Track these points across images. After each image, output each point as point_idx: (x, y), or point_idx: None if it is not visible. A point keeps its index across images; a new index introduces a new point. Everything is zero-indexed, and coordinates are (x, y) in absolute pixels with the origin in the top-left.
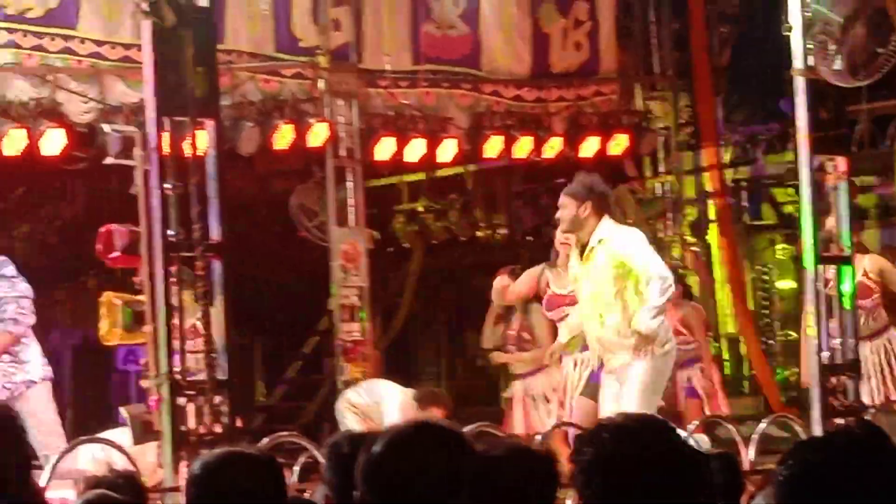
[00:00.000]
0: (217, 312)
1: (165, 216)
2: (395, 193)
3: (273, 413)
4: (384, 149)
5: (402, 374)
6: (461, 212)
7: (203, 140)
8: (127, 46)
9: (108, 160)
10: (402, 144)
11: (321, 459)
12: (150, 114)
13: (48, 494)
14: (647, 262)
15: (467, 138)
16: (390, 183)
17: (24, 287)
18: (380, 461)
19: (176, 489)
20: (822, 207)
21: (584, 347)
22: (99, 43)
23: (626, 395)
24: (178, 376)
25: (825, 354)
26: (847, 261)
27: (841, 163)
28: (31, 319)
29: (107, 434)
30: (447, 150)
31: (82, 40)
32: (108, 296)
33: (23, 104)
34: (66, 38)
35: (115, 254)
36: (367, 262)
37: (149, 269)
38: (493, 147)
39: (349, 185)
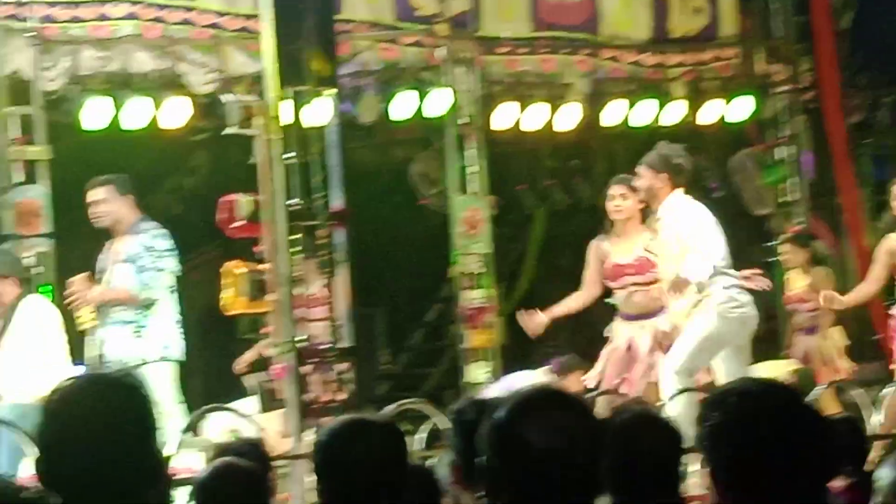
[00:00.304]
0: (340, 281)
1: (287, 185)
2: (515, 160)
3: (397, 380)
4: (504, 116)
5: (524, 341)
6: (582, 178)
7: (323, 109)
8: (246, 17)
9: (229, 130)
10: (522, 111)
11: (445, 426)
12: (271, 83)
13: (175, 463)
14: (699, 241)
15: (587, 104)
16: (511, 150)
17: (168, 262)
18: (504, 426)
19: (302, 456)
20: None
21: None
22: (218, 14)
23: (675, 343)
24: (302, 345)
25: None
26: None
27: None
28: (164, 295)
29: (234, 403)
30: (567, 116)
31: (201, 11)
32: (231, 265)
33: (144, 76)
34: (185, 9)
35: (237, 223)
36: (488, 229)
37: (272, 239)
38: (612, 113)
39: (470, 152)
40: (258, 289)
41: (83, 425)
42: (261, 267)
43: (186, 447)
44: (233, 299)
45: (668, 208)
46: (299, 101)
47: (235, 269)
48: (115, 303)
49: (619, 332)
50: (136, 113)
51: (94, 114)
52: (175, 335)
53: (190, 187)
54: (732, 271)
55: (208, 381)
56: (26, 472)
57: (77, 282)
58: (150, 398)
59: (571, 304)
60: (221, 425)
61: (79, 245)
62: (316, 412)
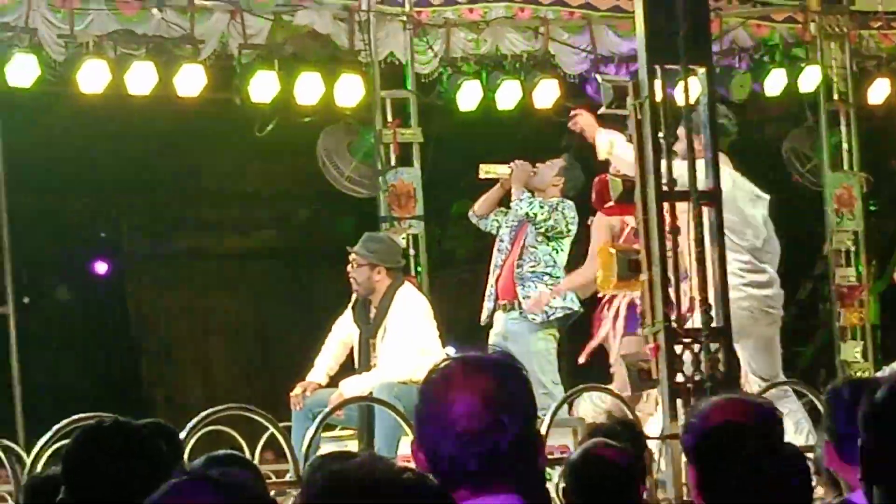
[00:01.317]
0: (710, 260)
1: (658, 165)
2: (889, 136)
3: None
4: (878, 91)
5: None
6: None
7: (695, 87)
8: None
9: (602, 110)
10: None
11: (819, 405)
12: (642, 62)
13: (549, 442)
14: None
15: None
16: (884, 125)
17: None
18: (883, 408)
19: (674, 437)
20: None
21: None
22: None
23: None
24: (673, 324)
25: None
26: None
27: None
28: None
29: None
30: None
31: None
32: (604, 245)
33: (516, 57)
34: None
35: (610, 203)
36: (860, 206)
37: (643, 218)
38: None
39: (843, 128)
40: (630, 268)
41: (457, 405)
42: (633, 247)
43: (561, 426)
44: (605, 279)
45: None
46: (670, 80)
47: (608, 249)
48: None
49: None
50: (507, 94)
51: (467, 96)
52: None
53: None
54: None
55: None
56: (404, 451)
57: None
58: (527, 378)
59: None
60: (593, 404)
61: (449, 227)
62: (687, 392)
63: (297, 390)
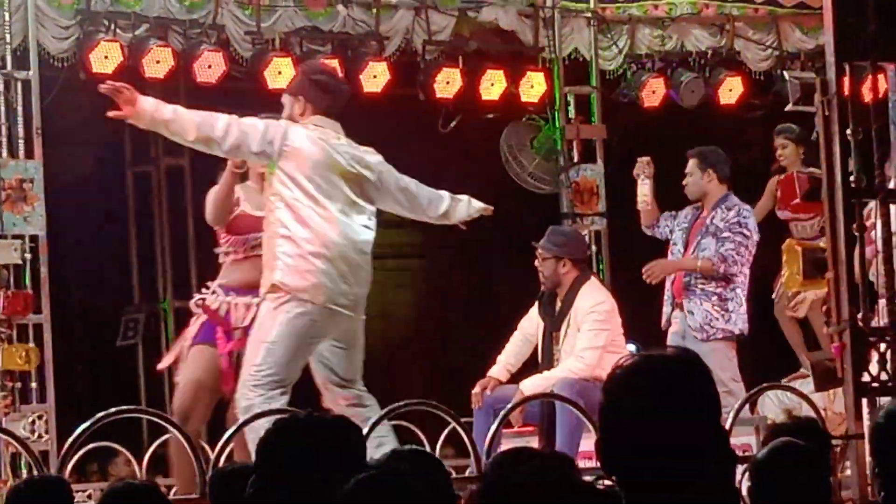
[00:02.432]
0: None
1: (845, 162)
2: None
3: None
4: None
5: None
6: None
7: (883, 84)
8: None
9: (788, 107)
10: None
11: None
12: (830, 58)
13: (731, 440)
14: None
15: None
16: None
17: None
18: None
19: (860, 436)
20: None
21: None
22: None
23: None
24: (860, 323)
25: None
26: None
27: None
28: (742, 271)
29: (790, 381)
30: None
31: None
32: (790, 243)
33: (701, 53)
34: None
35: (796, 200)
36: None
37: (830, 216)
38: None
39: None
40: (816, 266)
41: (644, 404)
42: (819, 244)
43: (743, 425)
44: (791, 277)
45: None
46: (858, 76)
47: (794, 246)
48: (698, 272)
49: None
50: (691, 91)
51: (651, 92)
52: (744, 312)
53: (744, 164)
54: None
55: (765, 358)
56: (585, 448)
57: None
58: (710, 375)
59: None
60: (779, 403)
61: (630, 224)
62: (873, 392)
63: (477, 388)
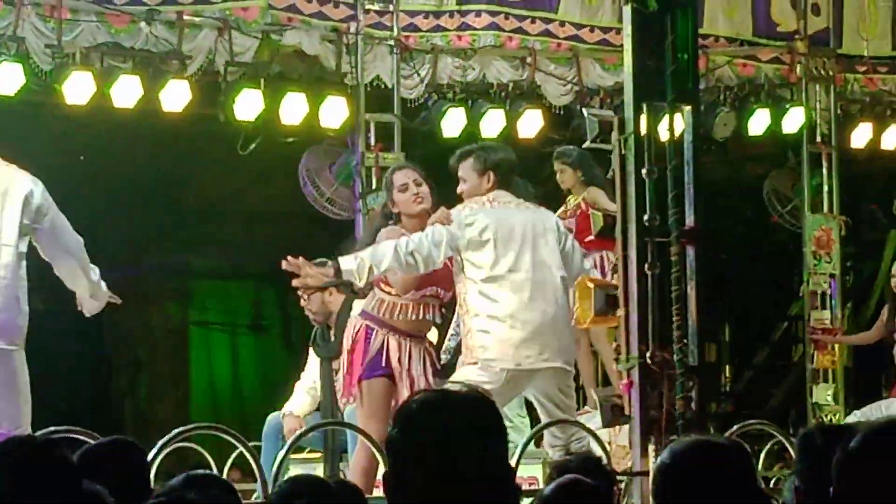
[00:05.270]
0: (689, 298)
1: (641, 201)
2: (870, 179)
3: (740, 399)
4: (861, 135)
5: (870, 363)
6: None
7: (679, 125)
8: (605, 30)
9: (586, 144)
10: (879, 131)
11: (789, 447)
12: (628, 97)
13: (518, 474)
14: None
15: None
16: (865, 169)
17: None
18: (857, 458)
19: (644, 473)
20: None
21: None
22: (578, 26)
23: None
24: (648, 360)
25: None
26: None
27: None
28: None
29: (578, 417)
30: None
31: (562, 23)
32: (582, 279)
33: (502, 85)
34: (546, 20)
35: (590, 237)
36: (838, 249)
37: (623, 254)
38: None
39: (824, 171)
40: (608, 303)
41: (435, 435)
42: (612, 282)
43: (529, 458)
44: (582, 312)
45: None
46: (656, 116)
47: (587, 282)
48: None
49: None
50: (492, 122)
51: (452, 122)
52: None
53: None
54: None
55: None
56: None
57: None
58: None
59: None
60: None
61: None
62: (660, 429)
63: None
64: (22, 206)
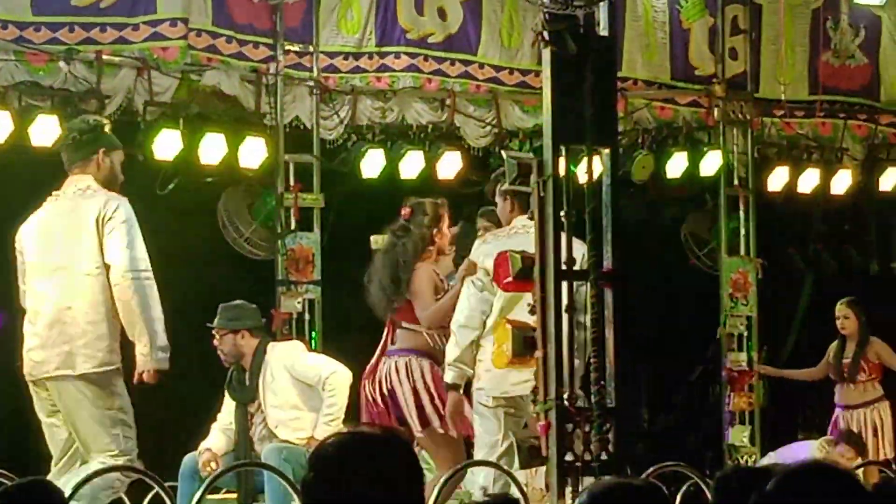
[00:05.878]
0: (607, 341)
1: (558, 243)
2: (786, 222)
3: (656, 440)
4: (778, 178)
5: (786, 404)
6: (854, 244)
7: (598, 167)
8: (524, 72)
9: (505, 186)
10: (795, 175)
11: (705, 489)
12: (547, 140)
13: None
14: None
15: (862, 169)
16: (782, 212)
17: None
18: (773, 501)
19: None
20: None
21: None
22: (497, 68)
23: None
24: (565, 402)
25: None
26: None
27: None
28: None
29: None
30: (841, 180)
31: (481, 65)
32: (500, 320)
33: (421, 127)
34: (465, 62)
35: (509, 279)
36: (756, 291)
37: (541, 295)
38: (889, 178)
39: (741, 213)
40: (525, 345)
41: (350, 477)
42: (529, 324)
43: (444, 502)
44: (499, 354)
45: None
46: (574, 158)
47: (505, 324)
48: None
49: None
50: (412, 163)
51: (371, 163)
52: None
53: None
54: None
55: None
56: None
57: None
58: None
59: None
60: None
61: (347, 294)
62: (576, 471)
63: (207, 457)
64: None
